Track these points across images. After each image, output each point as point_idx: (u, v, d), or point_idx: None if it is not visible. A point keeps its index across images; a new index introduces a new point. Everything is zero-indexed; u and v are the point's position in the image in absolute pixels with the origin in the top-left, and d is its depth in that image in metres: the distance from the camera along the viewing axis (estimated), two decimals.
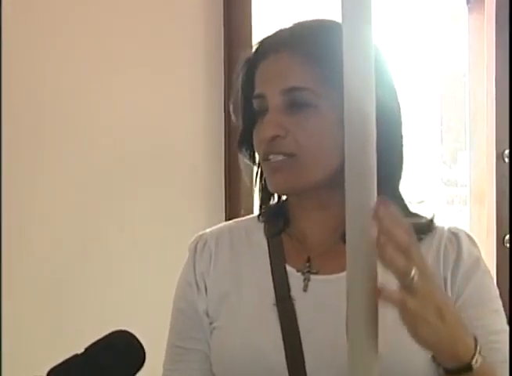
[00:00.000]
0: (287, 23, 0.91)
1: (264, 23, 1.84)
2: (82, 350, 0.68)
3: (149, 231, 1.56)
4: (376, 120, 0.79)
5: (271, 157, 0.85)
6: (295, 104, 0.84)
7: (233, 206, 1.66)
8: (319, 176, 0.84)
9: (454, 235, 0.88)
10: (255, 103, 0.88)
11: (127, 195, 1.53)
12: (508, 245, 2.25)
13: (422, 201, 2.37)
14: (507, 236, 2.24)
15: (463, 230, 0.91)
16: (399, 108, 0.89)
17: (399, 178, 0.90)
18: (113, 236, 1.51)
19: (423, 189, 2.55)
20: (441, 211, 2.60)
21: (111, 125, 1.51)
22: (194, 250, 0.97)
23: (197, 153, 1.64)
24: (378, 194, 0.81)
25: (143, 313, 1.52)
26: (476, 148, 2.35)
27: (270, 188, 0.89)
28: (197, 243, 0.97)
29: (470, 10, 2.28)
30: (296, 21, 0.91)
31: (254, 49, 0.90)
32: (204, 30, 1.66)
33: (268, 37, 0.90)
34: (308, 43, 0.85)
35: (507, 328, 0.86)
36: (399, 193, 0.91)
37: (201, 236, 0.98)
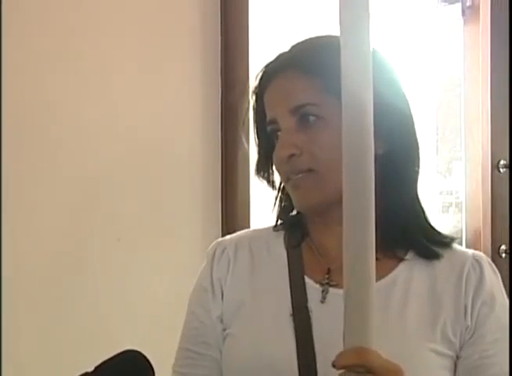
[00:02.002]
0: (286, 46, 0.93)
1: (261, 32, 1.85)
2: (88, 367, 0.67)
3: (146, 241, 1.55)
4: (396, 130, 0.85)
5: (292, 175, 0.87)
6: (304, 120, 0.86)
7: (230, 217, 1.66)
8: (339, 188, 0.85)
9: (477, 262, 0.89)
10: (269, 128, 0.90)
11: (124, 205, 1.53)
12: (504, 255, 2.26)
13: None
14: (503, 246, 2.25)
15: (485, 258, 0.92)
16: (411, 113, 0.91)
17: (417, 185, 0.91)
18: (109, 246, 1.50)
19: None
20: (436, 220, 2.60)
21: (109, 136, 1.51)
22: (212, 255, 0.97)
23: (195, 164, 1.64)
24: (401, 200, 0.85)
25: (140, 323, 1.52)
26: (471, 158, 2.36)
27: (296, 207, 0.91)
28: (216, 249, 0.98)
29: (465, 22, 2.30)
30: (294, 43, 0.93)
31: (258, 77, 0.92)
32: (201, 40, 1.66)
33: (270, 63, 0.92)
34: (307, 59, 0.87)
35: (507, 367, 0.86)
36: (418, 200, 0.91)
37: (220, 242, 0.99)
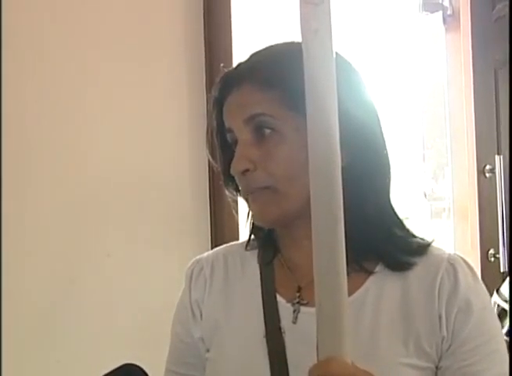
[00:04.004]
0: (246, 56, 0.91)
1: (244, 42, 1.87)
2: None
3: (136, 256, 1.56)
4: (355, 137, 0.81)
5: (248, 191, 0.86)
6: (259, 133, 0.84)
7: (219, 230, 1.67)
8: (300, 203, 0.83)
9: (452, 266, 0.84)
10: (228, 137, 0.89)
11: (113, 221, 1.54)
12: (492, 259, 2.28)
13: (406, 218, 2.40)
14: (491, 250, 2.27)
15: (461, 259, 0.87)
16: (379, 125, 0.88)
17: (388, 194, 0.89)
18: (99, 261, 1.51)
19: (408, 205, 2.58)
20: (426, 226, 2.63)
21: (99, 154, 1.52)
22: (190, 276, 0.97)
23: (183, 179, 1.65)
24: (362, 212, 0.83)
25: (131, 337, 1.52)
26: (457, 164, 2.39)
27: (255, 220, 0.90)
28: (193, 269, 0.97)
29: (446, 29, 2.34)
30: (253, 51, 0.91)
31: (217, 88, 0.90)
32: (185, 60, 1.68)
33: (229, 73, 0.90)
34: (263, 70, 0.85)
35: (506, 368, 0.82)
36: (391, 208, 0.89)
37: (198, 261, 0.98)
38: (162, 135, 1.64)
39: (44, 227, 1.44)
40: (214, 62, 1.68)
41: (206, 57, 1.69)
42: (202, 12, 1.70)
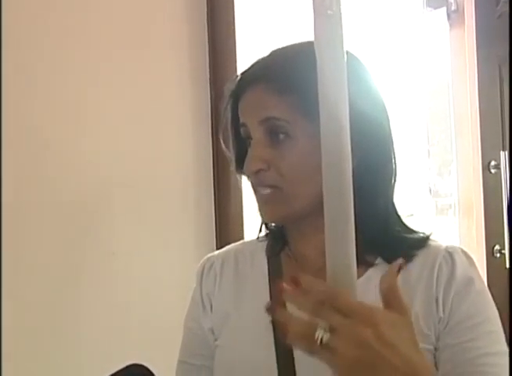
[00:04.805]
0: (265, 53, 0.93)
1: (248, 39, 1.88)
2: None
3: (141, 254, 1.57)
4: (366, 136, 0.84)
5: (259, 188, 0.89)
6: (273, 134, 0.86)
7: (223, 229, 1.68)
8: (306, 204, 0.87)
9: (449, 254, 0.88)
10: (242, 131, 0.91)
11: (118, 219, 1.54)
12: (498, 255, 2.28)
13: (411, 215, 2.40)
14: (497, 246, 2.27)
15: (459, 249, 0.90)
16: (389, 123, 0.91)
17: (392, 192, 0.92)
18: (104, 259, 1.52)
19: (413, 202, 2.58)
20: (431, 223, 2.63)
21: (103, 151, 1.52)
22: (201, 272, 1.02)
23: (187, 176, 1.66)
24: (369, 209, 0.87)
25: (136, 336, 1.53)
26: (462, 160, 2.39)
27: (261, 218, 0.93)
28: (204, 265, 1.02)
29: (450, 26, 2.33)
30: (273, 50, 0.93)
31: (236, 82, 0.92)
32: (189, 54, 1.69)
33: (247, 70, 0.92)
34: (281, 73, 0.87)
35: (506, 349, 0.85)
36: (393, 206, 0.93)
37: (208, 258, 1.03)
38: (166, 133, 1.64)
39: (47, 225, 1.44)
40: (217, 59, 1.69)
41: (209, 54, 1.69)
42: (205, 9, 1.70)
